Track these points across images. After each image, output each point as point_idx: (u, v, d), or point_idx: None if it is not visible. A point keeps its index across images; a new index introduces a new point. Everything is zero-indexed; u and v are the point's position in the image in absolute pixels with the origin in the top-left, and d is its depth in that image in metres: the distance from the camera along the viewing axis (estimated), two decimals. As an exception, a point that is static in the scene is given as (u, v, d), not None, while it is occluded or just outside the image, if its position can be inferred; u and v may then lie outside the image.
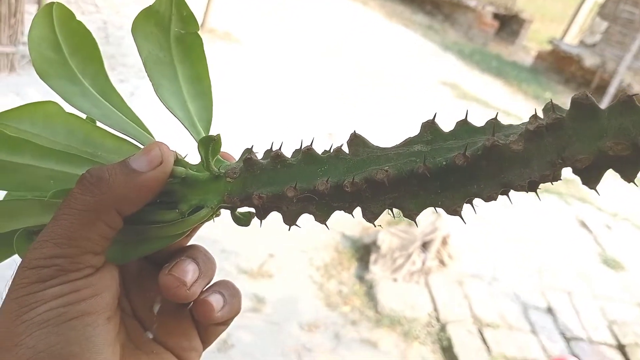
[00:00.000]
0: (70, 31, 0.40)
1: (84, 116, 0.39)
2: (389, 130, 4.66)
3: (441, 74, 7.63)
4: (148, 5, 0.41)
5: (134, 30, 0.41)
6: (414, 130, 0.35)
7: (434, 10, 11.31)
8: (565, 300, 3.40)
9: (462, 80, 7.64)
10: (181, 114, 0.41)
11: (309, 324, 2.69)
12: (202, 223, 0.39)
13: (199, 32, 0.42)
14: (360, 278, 3.10)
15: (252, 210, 0.38)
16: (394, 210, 0.35)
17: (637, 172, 0.29)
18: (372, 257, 3.18)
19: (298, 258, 3.11)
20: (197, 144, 0.38)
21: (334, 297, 2.91)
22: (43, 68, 0.39)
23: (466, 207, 0.34)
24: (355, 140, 0.35)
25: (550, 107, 0.31)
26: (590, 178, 0.30)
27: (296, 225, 0.36)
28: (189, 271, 0.36)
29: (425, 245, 3.28)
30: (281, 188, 0.35)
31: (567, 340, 3.06)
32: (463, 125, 0.34)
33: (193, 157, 0.40)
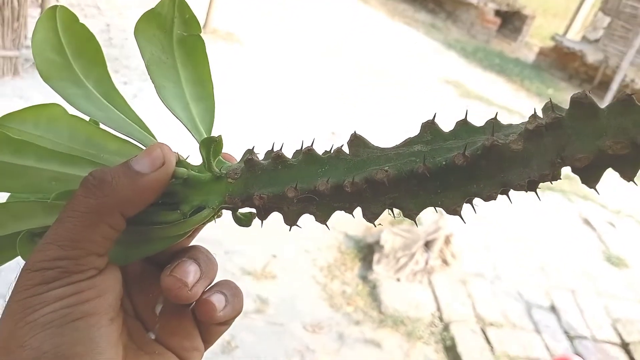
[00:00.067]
0: (73, 34, 0.40)
1: (87, 118, 0.40)
2: (392, 129, 4.66)
3: (444, 72, 7.62)
4: (150, 8, 0.41)
5: (137, 32, 0.41)
6: (417, 129, 0.35)
7: (436, 8, 11.29)
8: (568, 299, 3.40)
9: (465, 78, 7.62)
10: (183, 116, 0.41)
11: (313, 324, 2.70)
12: (204, 224, 0.39)
13: (201, 34, 0.42)
14: (364, 278, 3.10)
15: (253, 210, 0.38)
16: (394, 210, 0.35)
17: (637, 171, 0.29)
18: (375, 257, 3.19)
19: (301, 259, 3.11)
20: (198, 145, 0.38)
21: (337, 297, 2.91)
22: (47, 71, 0.39)
23: (466, 207, 0.34)
24: (356, 140, 0.35)
25: (549, 107, 0.31)
26: (590, 177, 0.30)
27: (297, 225, 0.36)
28: (191, 272, 0.36)
29: (428, 245, 3.28)
30: (282, 188, 0.35)
31: (571, 338, 3.06)
32: (463, 125, 0.34)
33: (195, 159, 0.40)
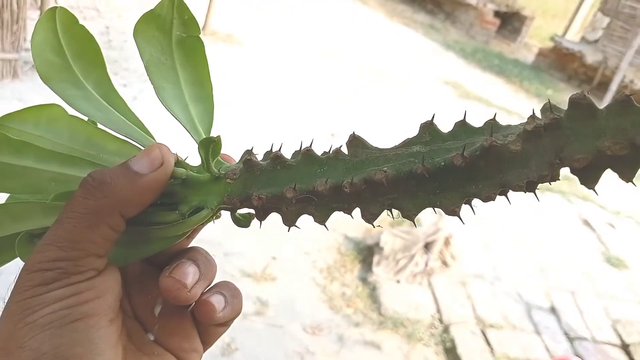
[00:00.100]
0: (73, 36, 0.40)
1: (86, 119, 0.40)
2: (391, 130, 4.66)
3: (443, 73, 7.62)
4: (149, 9, 0.41)
5: (136, 34, 0.41)
6: (416, 130, 0.35)
7: (435, 9, 11.30)
8: (568, 300, 3.40)
9: (464, 79, 7.63)
10: (182, 117, 0.41)
11: (313, 326, 2.70)
12: (203, 225, 0.39)
13: (201, 36, 0.42)
14: (363, 280, 3.10)
15: (252, 211, 0.38)
16: (393, 211, 0.35)
17: (636, 172, 0.30)
18: (375, 258, 3.19)
19: (301, 260, 3.11)
20: (197, 144, 0.38)
21: (337, 299, 2.91)
22: (46, 72, 0.39)
23: (465, 208, 0.34)
24: (354, 141, 0.35)
25: (548, 108, 0.31)
26: (589, 178, 0.30)
27: (296, 226, 0.36)
28: (190, 273, 0.36)
29: (427, 247, 3.28)
30: (281, 189, 0.35)
31: (571, 340, 3.06)
32: (461, 125, 0.34)
33: (194, 160, 0.40)
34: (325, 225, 0.36)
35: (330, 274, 3.08)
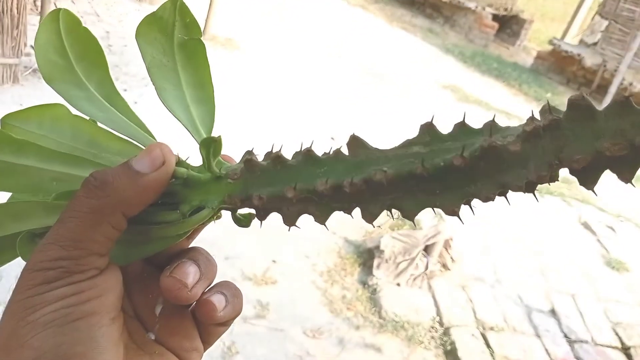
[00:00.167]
0: (76, 37, 0.41)
1: (88, 119, 0.40)
2: (391, 133, 4.66)
3: (442, 76, 7.63)
4: (152, 12, 0.42)
5: (138, 35, 0.41)
6: (415, 132, 0.35)
7: (434, 13, 11.32)
8: (569, 303, 3.39)
9: (463, 83, 7.64)
10: (184, 118, 0.41)
11: (313, 329, 2.70)
12: (204, 225, 0.39)
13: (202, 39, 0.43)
14: (364, 283, 3.10)
15: (253, 211, 0.38)
16: (393, 211, 0.35)
17: (635, 173, 0.30)
18: (375, 261, 3.19)
19: (301, 264, 3.11)
20: (198, 145, 0.39)
21: (337, 302, 2.91)
22: (49, 72, 0.40)
23: (465, 209, 0.34)
24: (354, 142, 0.35)
25: (547, 109, 0.31)
26: (588, 179, 0.30)
27: (296, 225, 0.36)
28: (190, 273, 0.36)
29: (427, 250, 3.28)
30: (281, 189, 0.36)
31: (571, 342, 3.06)
32: (461, 127, 0.34)
33: (195, 161, 0.41)
34: (325, 225, 0.36)
35: (331, 277, 3.08)
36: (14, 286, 0.33)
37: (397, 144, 0.35)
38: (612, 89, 7.84)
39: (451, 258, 3.38)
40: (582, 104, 0.30)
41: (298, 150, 0.37)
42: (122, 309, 0.36)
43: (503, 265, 3.63)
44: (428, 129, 0.35)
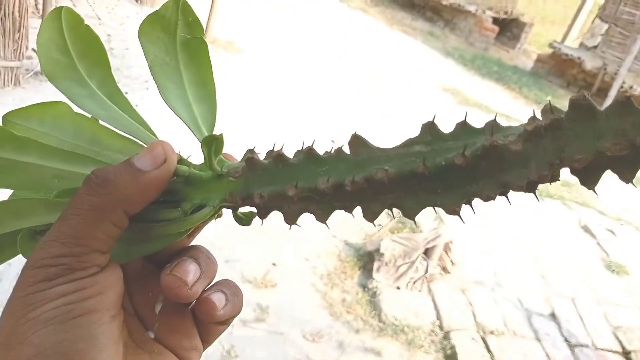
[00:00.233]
0: (78, 35, 0.41)
1: (90, 117, 0.40)
2: (391, 136, 4.65)
3: (442, 79, 7.64)
4: (154, 11, 0.42)
5: (141, 34, 0.41)
6: (416, 133, 0.35)
7: (434, 16, 11.34)
8: (569, 306, 3.39)
9: (464, 86, 7.65)
10: (186, 116, 0.41)
11: (313, 333, 2.69)
12: (205, 223, 0.39)
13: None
14: (364, 286, 3.10)
15: (254, 209, 0.38)
16: (394, 210, 0.35)
17: (635, 173, 0.29)
18: (375, 265, 3.18)
19: (301, 267, 3.11)
20: (200, 143, 0.39)
21: (337, 305, 2.91)
22: (51, 70, 0.40)
23: (465, 210, 0.34)
24: (356, 140, 0.35)
25: (548, 109, 0.31)
26: (589, 179, 0.30)
27: (297, 224, 0.36)
28: (191, 271, 0.36)
29: (427, 253, 3.28)
30: (282, 187, 0.36)
31: (571, 346, 3.05)
32: (463, 126, 0.34)
33: (196, 160, 0.41)
34: (326, 224, 0.36)
35: (331, 280, 3.07)
36: (14, 284, 0.33)
37: (398, 143, 0.35)
38: (613, 92, 7.84)
39: (451, 261, 3.38)
40: (584, 103, 0.30)
41: (299, 149, 0.37)
42: (122, 306, 0.36)
43: (503, 268, 3.63)
44: (429, 128, 0.35)
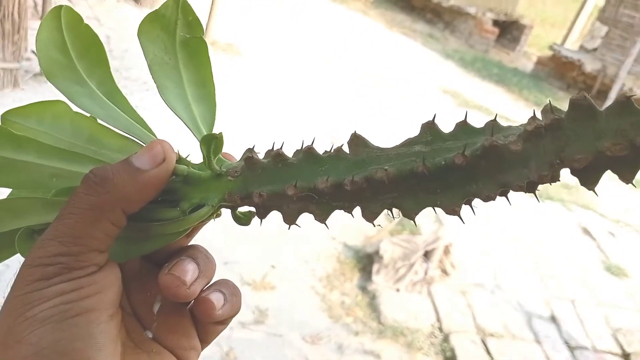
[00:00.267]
0: (78, 34, 0.41)
1: (89, 116, 0.40)
2: (391, 138, 4.65)
3: (442, 82, 7.65)
4: (154, 10, 0.41)
5: (140, 33, 0.41)
6: (416, 134, 0.35)
7: (434, 18, 11.35)
8: (569, 309, 3.39)
9: (464, 88, 7.65)
10: (185, 116, 0.41)
11: (312, 335, 2.69)
12: (203, 223, 0.39)
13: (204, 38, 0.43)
14: (363, 289, 3.09)
15: (253, 209, 0.38)
16: (394, 210, 0.35)
17: (636, 173, 0.29)
18: (375, 267, 3.18)
19: (300, 269, 3.11)
20: (199, 142, 0.38)
21: (336, 308, 2.90)
22: (50, 69, 0.40)
23: (466, 211, 0.34)
24: (356, 140, 0.35)
25: (548, 109, 0.31)
26: (589, 179, 0.30)
27: (296, 224, 0.36)
28: (189, 270, 0.36)
29: (427, 255, 3.27)
30: (281, 187, 0.35)
31: (571, 349, 3.05)
32: (463, 126, 0.34)
33: (195, 160, 0.40)
34: (326, 224, 0.36)
35: (330, 282, 3.07)
36: (12, 282, 0.33)
37: (398, 143, 0.35)
38: (612, 95, 7.85)
39: (451, 264, 3.37)
40: (584, 103, 0.30)
41: (299, 148, 0.37)
42: (120, 306, 0.36)
43: (503, 271, 3.63)
44: (429, 128, 0.35)
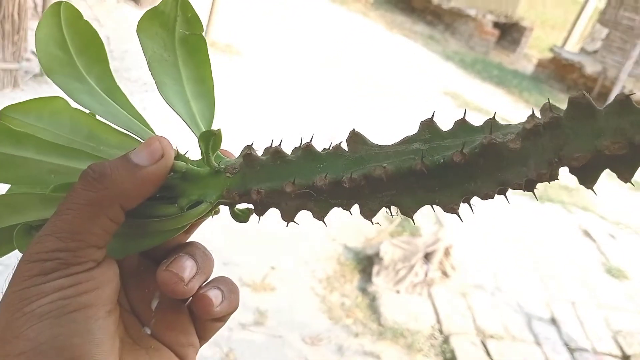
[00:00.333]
0: (77, 31, 0.41)
1: (88, 112, 0.40)
2: (390, 139, 4.65)
3: (443, 83, 7.65)
4: (153, 6, 0.41)
5: (139, 30, 0.41)
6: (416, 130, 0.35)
7: (434, 20, 11.36)
8: (569, 311, 3.38)
9: (464, 90, 7.65)
10: (184, 112, 0.41)
11: (312, 336, 2.68)
12: (202, 219, 0.39)
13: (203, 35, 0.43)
14: (363, 290, 3.09)
15: (251, 206, 0.38)
16: (392, 208, 0.35)
17: (634, 172, 0.29)
18: (375, 268, 3.18)
19: (300, 270, 3.10)
20: (197, 138, 0.38)
21: (336, 309, 2.90)
22: (49, 65, 0.40)
23: (465, 209, 0.34)
24: (354, 137, 0.35)
25: (547, 107, 0.31)
26: (587, 177, 0.30)
27: (294, 222, 0.36)
28: (187, 267, 0.36)
29: (427, 257, 3.27)
30: (280, 184, 0.35)
31: (571, 351, 3.04)
32: (461, 124, 0.34)
33: (193, 157, 0.40)
34: (324, 222, 0.36)
35: (330, 284, 3.07)
36: (10, 278, 0.33)
37: (397, 141, 0.35)
38: (613, 97, 7.85)
39: (451, 265, 3.37)
40: (583, 102, 0.30)
41: (297, 145, 0.37)
42: (119, 303, 0.36)
43: (503, 272, 3.62)
44: (428, 125, 0.35)
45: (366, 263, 3.27)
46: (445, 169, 0.32)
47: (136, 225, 0.37)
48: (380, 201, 0.34)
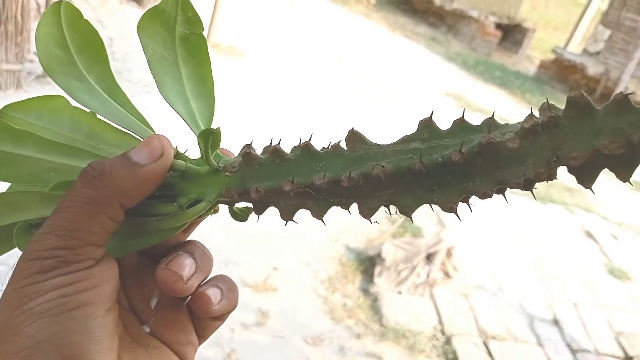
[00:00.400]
0: (77, 30, 0.41)
1: (88, 111, 0.40)
2: (391, 140, 4.64)
3: (445, 84, 7.65)
4: (154, 5, 0.42)
5: (140, 29, 0.41)
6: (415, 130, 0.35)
7: (437, 21, 11.35)
8: (571, 312, 3.38)
9: (466, 91, 7.65)
10: (183, 111, 0.41)
11: (314, 337, 2.68)
12: (201, 218, 0.39)
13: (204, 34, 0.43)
14: (365, 291, 3.09)
15: (250, 205, 0.38)
16: (391, 207, 0.35)
17: (632, 172, 0.29)
18: (377, 269, 3.18)
19: (302, 271, 3.10)
20: (196, 137, 0.39)
21: (338, 310, 2.90)
22: (50, 65, 0.40)
23: (464, 209, 0.34)
24: (353, 136, 0.35)
25: (546, 107, 0.31)
26: (585, 177, 0.30)
27: (293, 220, 0.36)
28: (186, 265, 0.36)
29: (429, 257, 3.27)
30: (279, 182, 0.36)
31: (574, 352, 3.04)
32: (460, 123, 0.34)
33: (193, 156, 0.40)
34: (322, 220, 0.36)
35: (332, 284, 3.07)
36: (9, 275, 0.33)
37: (395, 140, 0.35)
38: (614, 98, 7.83)
39: (453, 266, 3.37)
40: (581, 101, 0.30)
41: (297, 144, 0.37)
42: (118, 301, 0.36)
43: (505, 273, 3.62)
44: (427, 125, 0.35)
45: (368, 264, 3.27)
46: (443, 168, 0.32)
47: (135, 224, 0.37)
48: (378, 200, 0.34)
